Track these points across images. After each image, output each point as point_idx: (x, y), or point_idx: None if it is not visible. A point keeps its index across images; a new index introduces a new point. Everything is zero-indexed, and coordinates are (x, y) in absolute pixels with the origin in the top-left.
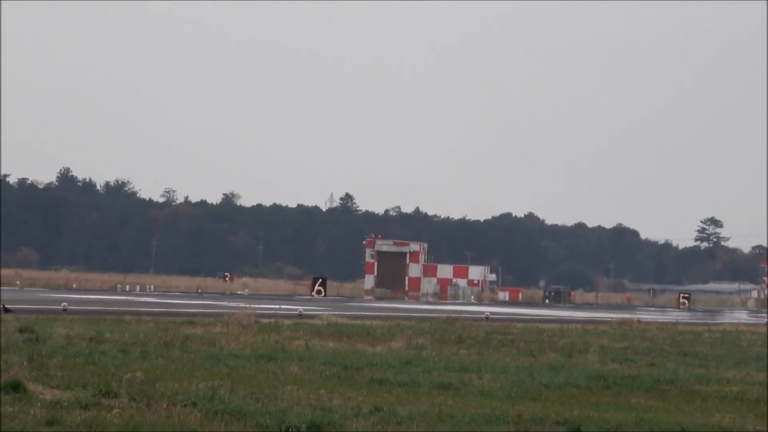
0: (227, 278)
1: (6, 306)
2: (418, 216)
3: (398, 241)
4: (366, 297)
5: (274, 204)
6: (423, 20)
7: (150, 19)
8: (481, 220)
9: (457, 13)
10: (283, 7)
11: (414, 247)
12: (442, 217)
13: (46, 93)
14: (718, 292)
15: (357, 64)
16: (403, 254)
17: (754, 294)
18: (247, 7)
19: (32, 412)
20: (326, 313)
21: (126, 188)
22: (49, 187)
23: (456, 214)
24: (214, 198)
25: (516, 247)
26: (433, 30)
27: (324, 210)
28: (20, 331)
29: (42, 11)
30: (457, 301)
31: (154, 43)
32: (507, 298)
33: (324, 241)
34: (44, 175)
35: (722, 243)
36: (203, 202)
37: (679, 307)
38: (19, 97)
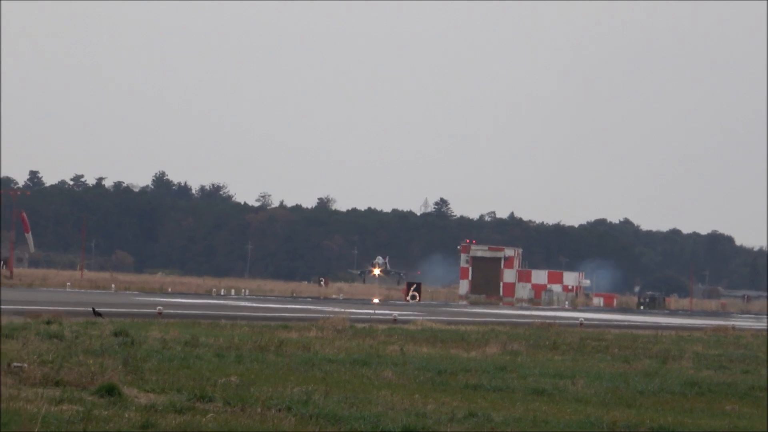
0: (322, 282)
1: (96, 309)
2: (512, 221)
3: (493, 246)
4: (460, 302)
5: (369, 208)
6: (522, 24)
7: (237, 21)
8: (576, 225)
9: (558, 17)
10: (407, 7)
11: (509, 252)
12: (537, 222)
13: (141, 98)
14: None
15: (454, 68)
16: (498, 259)
17: None
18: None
19: (127, 415)
20: (421, 318)
21: (221, 192)
22: (144, 190)
23: (551, 220)
24: (309, 202)
25: (611, 253)
26: (530, 34)
27: (419, 215)
28: (115, 334)
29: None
30: (552, 307)
31: (246, 52)
32: (601, 304)
33: (419, 245)
34: (140, 178)
35: None
36: (298, 207)
37: None
38: (114, 102)
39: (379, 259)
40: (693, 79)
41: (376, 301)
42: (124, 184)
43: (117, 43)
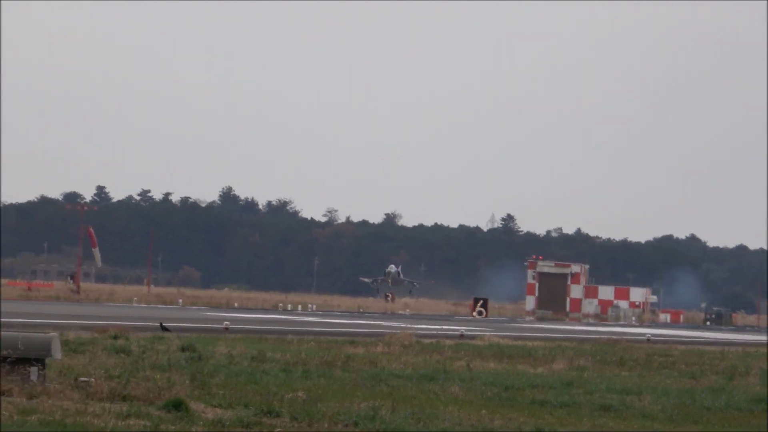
0: (388, 298)
1: (164, 324)
2: (579, 237)
3: (560, 262)
4: (527, 318)
5: (436, 224)
6: (589, 24)
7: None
8: (642, 241)
9: (620, 28)
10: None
11: (575, 268)
12: (604, 238)
13: (209, 114)
14: None
15: (517, 83)
16: (565, 275)
17: None
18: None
19: (194, 430)
20: (487, 333)
21: (288, 207)
22: (211, 206)
23: (617, 236)
24: (376, 218)
25: (677, 269)
26: (597, 36)
27: (485, 230)
28: (182, 349)
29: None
30: (618, 323)
31: (315, 70)
32: (668, 320)
33: (485, 261)
34: (207, 194)
35: None
36: (365, 222)
37: None
38: (180, 118)
39: (392, 268)
40: (754, 88)
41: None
42: (191, 200)
43: (183, 58)
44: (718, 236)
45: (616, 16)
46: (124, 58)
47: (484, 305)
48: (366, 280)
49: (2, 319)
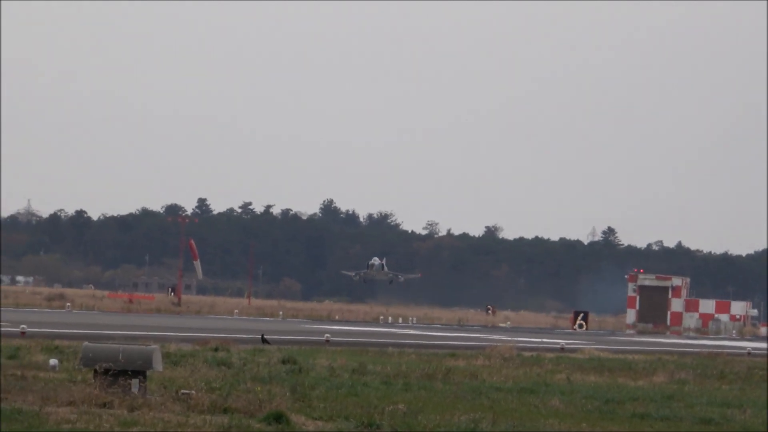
0: (489, 311)
1: (265, 336)
2: (680, 250)
3: (660, 275)
4: (627, 331)
5: (536, 237)
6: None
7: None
8: (743, 255)
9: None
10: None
11: (676, 281)
12: (704, 251)
13: (309, 127)
14: None
15: (616, 93)
16: (665, 289)
17: None
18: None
19: None
20: (588, 346)
21: (389, 220)
22: (312, 218)
23: (718, 249)
24: (476, 230)
25: None
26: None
27: (586, 244)
28: (283, 362)
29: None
30: (719, 336)
31: (411, 88)
32: None
33: (586, 274)
34: (308, 206)
35: None
36: (465, 235)
37: None
38: (282, 131)
39: (375, 260)
40: None
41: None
42: (292, 212)
43: (287, 73)
44: None
45: None
46: (229, 72)
47: (585, 318)
48: (349, 273)
49: (103, 332)
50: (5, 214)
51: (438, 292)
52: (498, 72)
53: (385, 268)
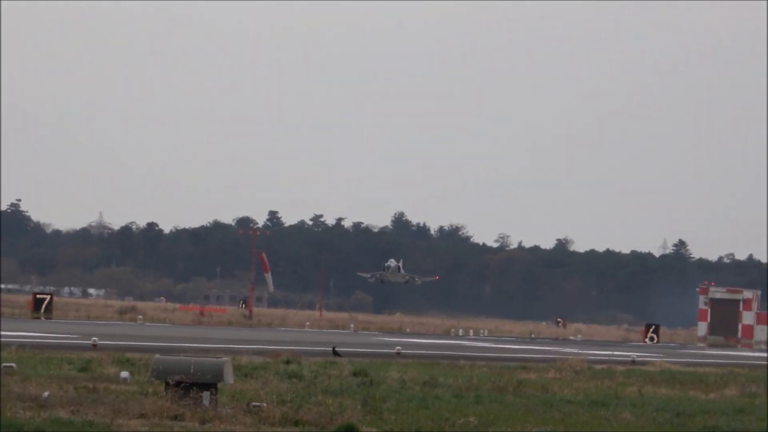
0: (560, 324)
1: (336, 349)
2: (751, 263)
3: (731, 288)
4: (698, 344)
5: (607, 250)
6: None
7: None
8: None
9: None
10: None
11: (747, 294)
12: None
13: (379, 138)
14: None
15: (690, 107)
16: (737, 301)
17: None
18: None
19: None
20: (659, 359)
21: (460, 233)
22: (383, 231)
23: None
24: (548, 243)
25: None
26: None
27: (657, 256)
28: (354, 374)
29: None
30: None
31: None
32: None
33: (657, 287)
34: (379, 219)
35: None
36: (536, 248)
37: None
38: (351, 144)
39: (392, 262)
40: None
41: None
42: (364, 224)
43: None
44: None
45: None
46: (302, 84)
47: (656, 331)
48: (365, 275)
49: (174, 344)
50: (78, 226)
51: (509, 305)
52: (576, 86)
53: (402, 270)
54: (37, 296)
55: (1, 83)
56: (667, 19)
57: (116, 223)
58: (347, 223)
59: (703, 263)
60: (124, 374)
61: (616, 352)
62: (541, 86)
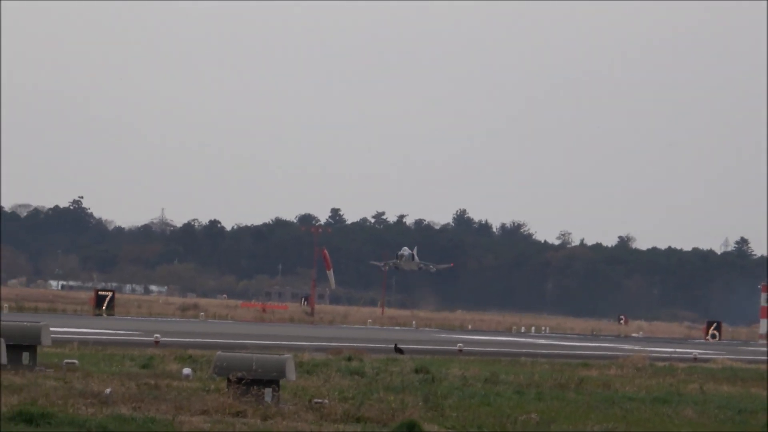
0: (622, 321)
1: (398, 346)
2: None
3: None
4: (760, 341)
5: (669, 247)
6: None
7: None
8: None
9: None
10: None
11: None
12: None
13: (442, 140)
14: None
15: (754, 101)
16: None
17: None
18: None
19: None
20: (721, 357)
21: (522, 230)
22: (445, 228)
23: None
24: (610, 241)
25: None
26: None
27: (719, 254)
28: (416, 371)
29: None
30: None
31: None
32: None
33: (719, 285)
34: (441, 216)
35: None
36: (598, 245)
37: None
38: (416, 142)
39: (405, 250)
40: None
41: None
42: (425, 222)
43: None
44: None
45: None
46: (371, 82)
47: (718, 328)
48: (377, 263)
49: (236, 341)
50: (140, 223)
51: (571, 302)
52: (641, 89)
53: (416, 258)
54: (99, 293)
55: (63, 83)
56: None
57: (178, 220)
58: (409, 220)
59: (765, 260)
60: (186, 371)
61: (677, 349)
62: (606, 88)
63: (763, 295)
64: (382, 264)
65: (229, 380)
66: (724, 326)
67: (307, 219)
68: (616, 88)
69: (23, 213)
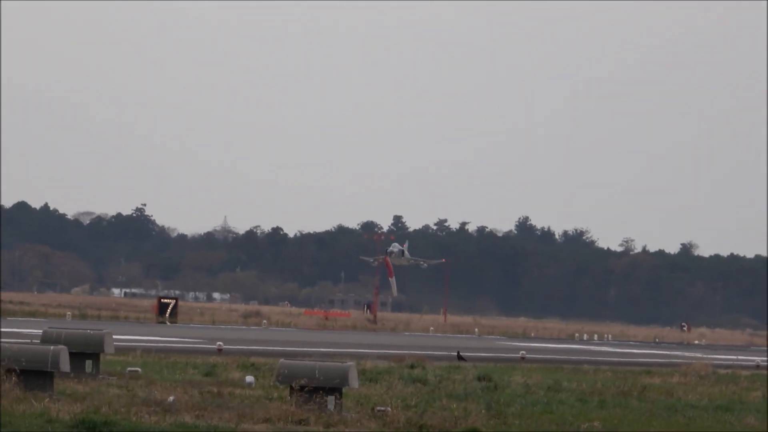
0: (684, 328)
1: (460, 353)
2: None
3: None
4: None
5: (731, 254)
6: None
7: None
8: None
9: None
10: None
11: None
12: None
13: (502, 146)
14: None
15: None
16: None
17: None
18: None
19: None
20: None
21: (584, 237)
22: (507, 235)
23: None
24: (672, 248)
25: None
26: None
27: None
28: (478, 379)
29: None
30: None
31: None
32: None
33: None
34: (503, 223)
35: None
36: (661, 252)
37: None
38: (477, 149)
39: (395, 246)
40: None
41: None
42: (488, 229)
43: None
44: None
45: None
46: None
47: None
48: (367, 259)
49: (298, 349)
50: (202, 230)
51: (633, 310)
52: (699, 91)
53: (407, 254)
54: (162, 300)
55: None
56: None
57: (241, 227)
58: (471, 227)
59: None
60: (249, 378)
61: (740, 357)
62: (674, 93)
63: None
64: (372, 260)
65: (291, 388)
66: None
67: (369, 226)
68: (684, 95)
69: (86, 221)
